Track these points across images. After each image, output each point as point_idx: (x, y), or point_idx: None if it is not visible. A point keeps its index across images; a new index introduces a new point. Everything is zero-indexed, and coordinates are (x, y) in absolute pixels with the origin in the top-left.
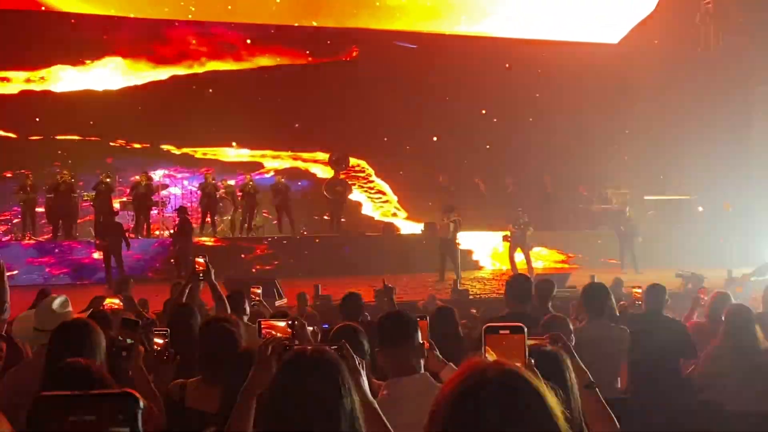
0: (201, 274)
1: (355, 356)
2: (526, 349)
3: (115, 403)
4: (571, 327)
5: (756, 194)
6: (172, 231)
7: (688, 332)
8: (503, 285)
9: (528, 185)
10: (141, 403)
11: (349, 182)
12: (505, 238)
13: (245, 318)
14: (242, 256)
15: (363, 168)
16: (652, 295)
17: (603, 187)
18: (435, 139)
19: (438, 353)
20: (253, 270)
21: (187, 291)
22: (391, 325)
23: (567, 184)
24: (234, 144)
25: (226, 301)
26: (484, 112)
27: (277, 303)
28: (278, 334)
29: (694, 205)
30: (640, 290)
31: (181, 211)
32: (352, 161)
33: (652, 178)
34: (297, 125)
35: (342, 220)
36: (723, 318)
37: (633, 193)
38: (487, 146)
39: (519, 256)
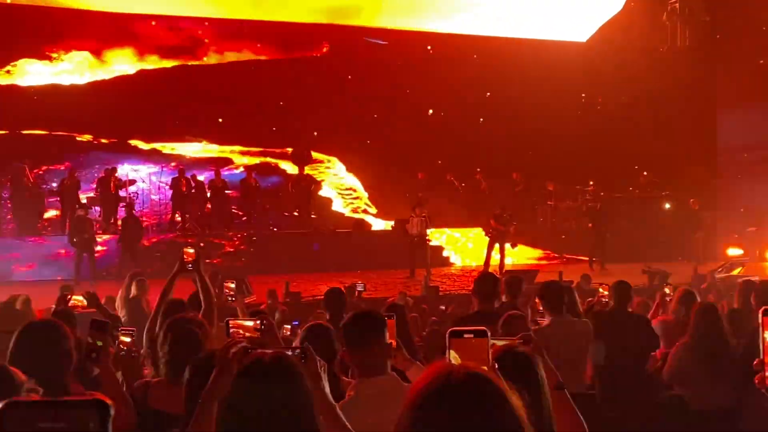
0: (190, 265)
1: (318, 359)
2: (490, 352)
3: (85, 410)
4: (530, 326)
5: (721, 190)
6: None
7: (651, 326)
8: (473, 281)
9: (498, 182)
10: (111, 411)
11: (315, 178)
12: (486, 233)
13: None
14: (212, 252)
15: (333, 164)
16: (617, 292)
17: (571, 183)
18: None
19: (405, 352)
20: (218, 263)
21: (173, 286)
22: (359, 324)
23: (535, 180)
24: (203, 141)
25: (213, 297)
26: (438, 111)
27: (246, 300)
28: (247, 334)
29: (662, 202)
30: (606, 287)
31: (128, 207)
32: (323, 157)
33: (619, 175)
34: (266, 121)
35: (312, 216)
36: (692, 316)
37: (601, 189)
38: (459, 142)
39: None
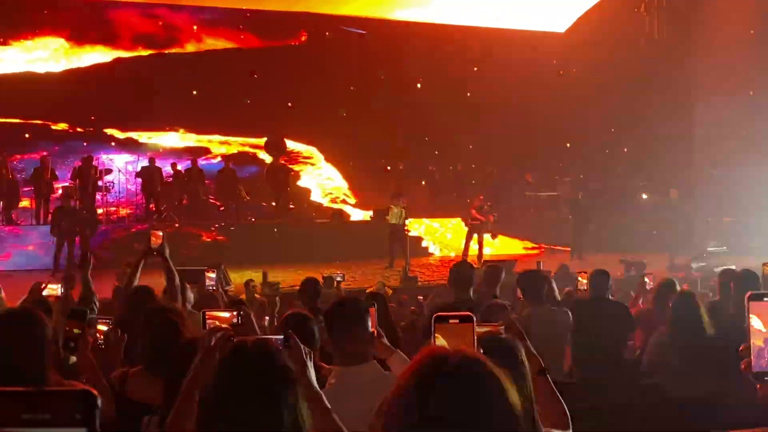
0: (155, 249)
1: (302, 346)
2: (475, 337)
3: (72, 401)
4: (513, 315)
5: (698, 180)
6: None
7: (630, 313)
8: (449, 271)
9: (475, 173)
10: (99, 402)
11: (291, 167)
12: (466, 223)
13: (189, 306)
14: (189, 242)
15: (311, 155)
16: (596, 280)
17: (549, 174)
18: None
19: (386, 340)
20: (192, 254)
21: (139, 272)
22: (342, 312)
23: (513, 171)
24: (180, 130)
25: (177, 280)
26: (417, 100)
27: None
28: (224, 326)
29: (639, 192)
30: (585, 275)
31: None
32: (301, 147)
33: (597, 165)
34: (244, 110)
35: (291, 207)
36: (670, 305)
37: (579, 179)
38: (425, 135)
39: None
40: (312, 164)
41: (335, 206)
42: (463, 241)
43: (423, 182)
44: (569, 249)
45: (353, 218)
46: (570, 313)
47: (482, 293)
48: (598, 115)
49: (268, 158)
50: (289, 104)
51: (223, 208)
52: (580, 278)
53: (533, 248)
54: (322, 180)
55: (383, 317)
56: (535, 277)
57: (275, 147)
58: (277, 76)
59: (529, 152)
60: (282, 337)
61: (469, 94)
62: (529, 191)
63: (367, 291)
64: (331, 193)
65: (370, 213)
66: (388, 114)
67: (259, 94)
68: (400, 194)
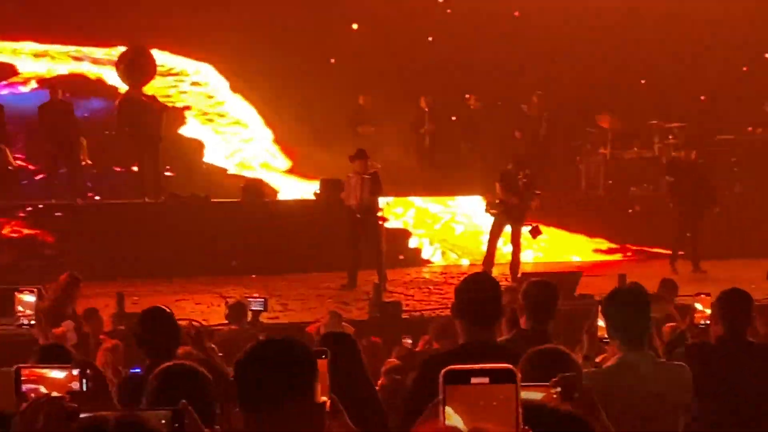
0: None
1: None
2: (519, 410)
3: None
4: (581, 368)
5: None
6: None
7: None
8: (454, 292)
9: (497, 113)
10: None
11: (165, 102)
12: (489, 208)
13: None
14: None
15: (205, 78)
16: (730, 309)
17: (637, 119)
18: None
19: (347, 419)
20: None
21: None
22: (264, 368)
23: (569, 113)
24: None
25: None
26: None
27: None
28: (53, 393)
29: None
30: (707, 300)
31: None
32: (187, 65)
33: (723, 110)
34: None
35: (166, 173)
36: None
37: (694, 129)
38: (430, 38)
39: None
40: (207, 96)
41: (249, 174)
42: (485, 239)
43: (420, 130)
44: (668, 253)
45: (282, 195)
46: (688, 370)
47: (520, 332)
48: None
49: (122, 85)
50: None
51: (42, 177)
52: (698, 305)
53: (610, 250)
54: (224, 126)
55: (350, 375)
56: (631, 300)
57: (137, 65)
58: None
59: (597, 83)
60: (170, 410)
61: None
62: (606, 146)
63: (309, 328)
64: (241, 150)
65: (315, 187)
66: (345, 13)
67: None
68: (365, 154)
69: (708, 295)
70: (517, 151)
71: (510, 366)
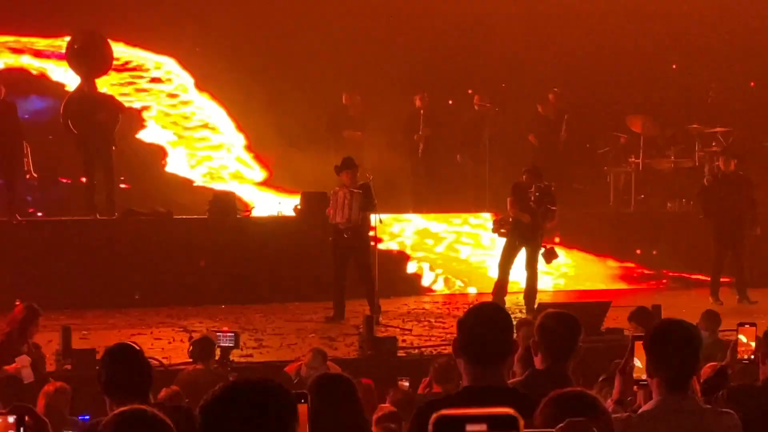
0: None
1: None
2: None
3: None
4: (610, 413)
5: None
6: None
7: None
8: (456, 325)
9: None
10: None
11: (121, 102)
12: (498, 226)
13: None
14: None
15: (167, 74)
16: None
17: (669, 123)
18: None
19: None
20: None
21: None
22: (238, 416)
23: (593, 115)
24: None
25: None
26: None
27: None
28: None
29: None
30: (752, 332)
31: None
32: (145, 58)
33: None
34: None
35: (121, 185)
36: None
37: (739, 134)
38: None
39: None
40: (169, 95)
41: (218, 186)
42: (496, 264)
43: (418, 137)
44: (708, 280)
45: (257, 211)
46: (737, 419)
47: (535, 373)
48: None
49: (72, 81)
50: None
51: None
52: (741, 336)
53: (643, 277)
54: (189, 130)
55: (348, 426)
56: (682, 335)
57: (90, 57)
58: None
59: (630, 81)
60: None
61: None
62: (636, 156)
63: (289, 368)
64: (209, 159)
65: (295, 201)
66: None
67: None
68: (353, 165)
69: (753, 325)
70: (532, 159)
71: (511, 411)
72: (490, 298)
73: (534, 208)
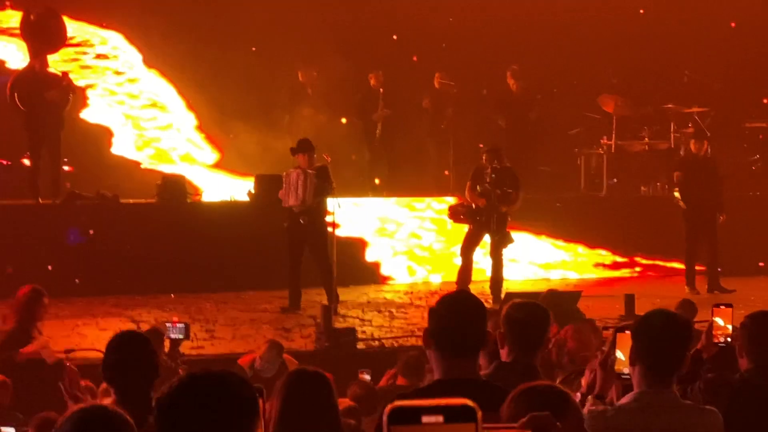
0: None
1: None
2: None
3: None
4: (582, 409)
5: None
6: None
7: None
8: (428, 315)
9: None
10: None
11: (71, 80)
12: (453, 212)
13: None
14: None
15: (113, 50)
16: (758, 337)
17: (638, 102)
18: None
19: None
20: None
21: None
22: (199, 411)
23: (563, 94)
24: None
25: None
26: None
27: None
28: None
29: None
30: (725, 322)
31: None
32: (91, 35)
33: (741, 96)
34: None
35: (65, 167)
36: None
37: (711, 114)
38: None
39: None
40: (115, 72)
41: (167, 168)
42: (458, 250)
43: (376, 117)
44: (682, 268)
45: (208, 195)
46: (719, 418)
47: (501, 365)
48: None
49: (11, 57)
50: None
51: None
52: (718, 319)
53: (616, 264)
54: (137, 109)
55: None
56: (672, 327)
57: (45, 32)
58: None
59: (602, 58)
60: None
61: None
62: (607, 138)
63: (242, 360)
64: (158, 140)
65: (249, 185)
66: None
67: None
68: (310, 147)
69: (730, 306)
70: (499, 140)
71: (468, 401)
72: (454, 287)
73: (490, 191)
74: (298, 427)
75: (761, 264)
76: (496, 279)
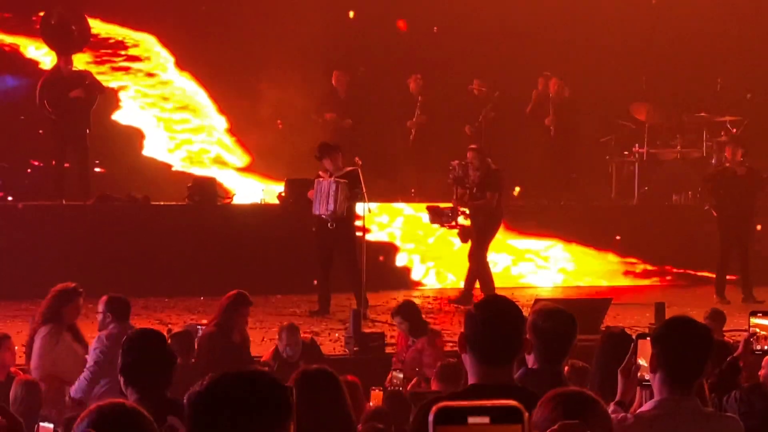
0: None
1: None
2: None
3: None
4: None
5: None
6: None
7: None
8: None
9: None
10: None
11: (99, 80)
12: (432, 215)
13: None
14: None
15: (146, 52)
16: None
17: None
18: None
19: None
20: None
21: None
22: (232, 410)
23: (595, 101)
24: None
25: None
26: None
27: None
28: None
29: None
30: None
31: None
32: (122, 36)
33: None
34: None
35: (96, 170)
36: None
37: (743, 123)
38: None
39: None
40: (147, 74)
41: (198, 171)
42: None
43: (411, 123)
44: (715, 276)
45: (238, 198)
46: (740, 425)
47: (529, 372)
48: None
49: (48, 59)
50: None
51: None
52: (758, 324)
53: (646, 273)
54: (168, 112)
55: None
56: (694, 334)
57: (66, 33)
58: None
59: (634, 66)
60: None
61: None
62: (639, 146)
63: (269, 356)
64: (189, 142)
65: (279, 188)
66: None
67: None
68: (333, 149)
69: (755, 331)
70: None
71: (515, 403)
72: (480, 294)
73: (462, 194)
74: (304, 428)
75: None
76: (482, 283)
